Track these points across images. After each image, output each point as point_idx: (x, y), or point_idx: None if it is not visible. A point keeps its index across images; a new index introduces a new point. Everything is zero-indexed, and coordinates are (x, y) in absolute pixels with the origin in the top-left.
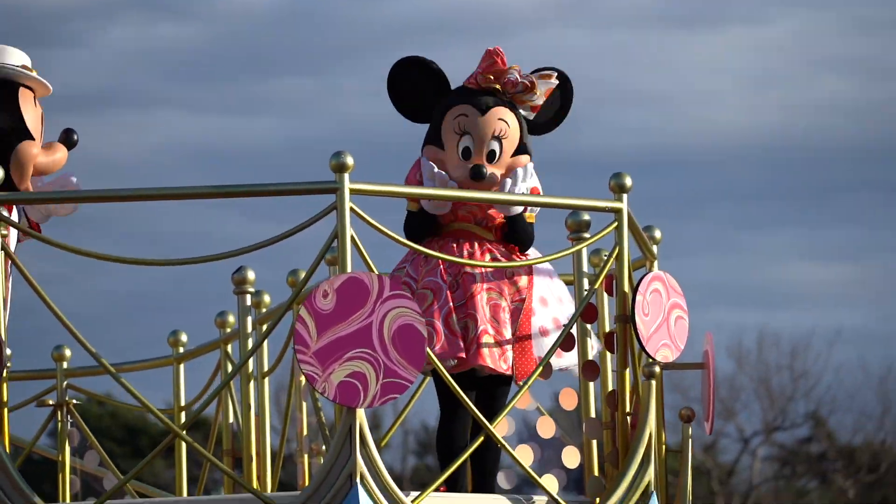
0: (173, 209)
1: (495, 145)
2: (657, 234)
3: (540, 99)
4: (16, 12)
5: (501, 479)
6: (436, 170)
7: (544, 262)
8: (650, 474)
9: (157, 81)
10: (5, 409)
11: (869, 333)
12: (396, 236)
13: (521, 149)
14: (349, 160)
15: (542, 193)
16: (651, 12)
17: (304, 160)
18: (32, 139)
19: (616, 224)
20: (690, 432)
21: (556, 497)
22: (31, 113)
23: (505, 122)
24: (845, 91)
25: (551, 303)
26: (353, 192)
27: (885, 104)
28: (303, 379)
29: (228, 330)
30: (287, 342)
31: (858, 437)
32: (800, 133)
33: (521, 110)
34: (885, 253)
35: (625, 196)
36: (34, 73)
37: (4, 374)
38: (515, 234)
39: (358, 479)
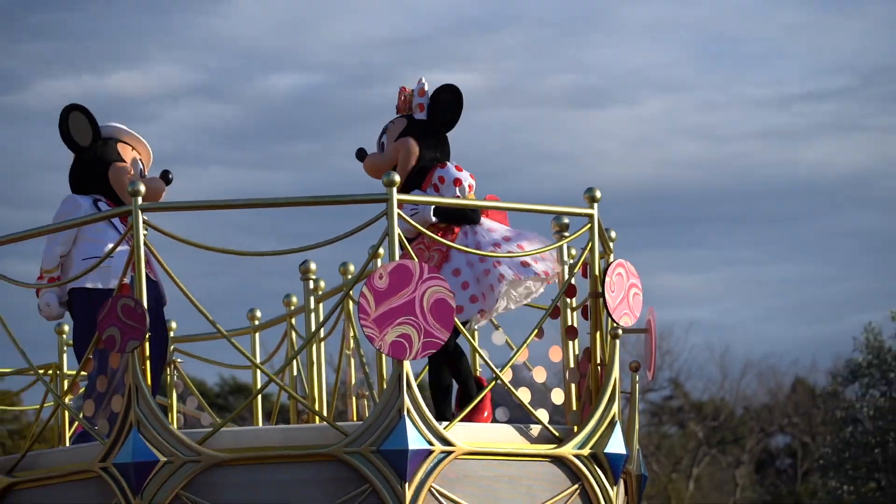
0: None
1: (383, 138)
2: (613, 234)
3: (419, 100)
4: (108, 97)
5: (500, 413)
6: None
7: (532, 254)
8: (615, 409)
9: (207, 146)
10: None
11: (713, 324)
12: (428, 232)
13: (406, 132)
14: (396, 178)
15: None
16: (561, 95)
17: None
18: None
19: (589, 225)
20: (637, 379)
21: (548, 426)
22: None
23: (392, 124)
24: (696, 151)
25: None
26: (399, 202)
27: (723, 161)
28: (352, 342)
29: (293, 307)
30: (338, 317)
31: (705, 396)
32: (666, 181)
33: (414, 115)
34: (724, 267)
35: (595, 205)
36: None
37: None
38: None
39: (405, 413)
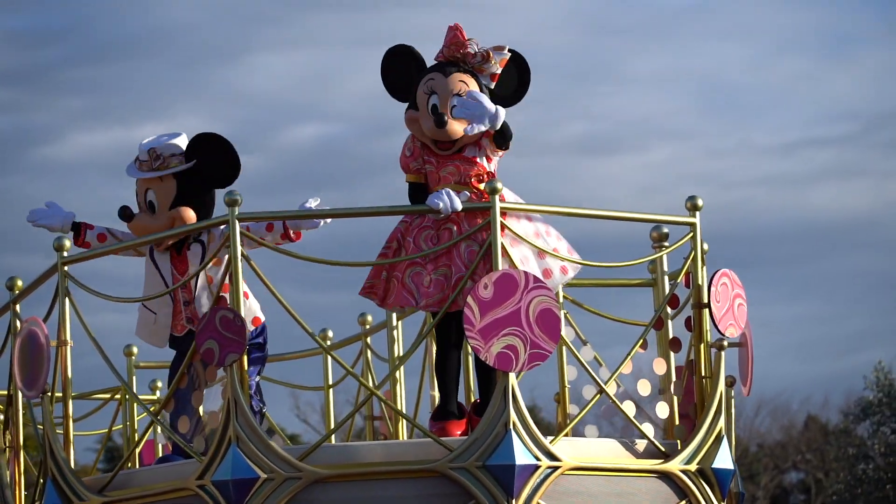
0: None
1: (456, 101)
2: (706, 246)
3: (496, 67)
4: (135, 148)
5: (589, 431)
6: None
7: (633, 264)
8: (721, 423)
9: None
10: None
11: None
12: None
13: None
14: (499, 185)
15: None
16: (570, 143)
17: (338, 243)
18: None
19: (692, 234)
20: (732, 393)
21: (653, 440)
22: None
23: (464, 84)
24: (703, 196)
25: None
26: (502, 210)
27: (730, 206)
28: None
29: (368, 326)
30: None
31: None
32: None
33: (481, 79)
34: None
35: (697, 213)
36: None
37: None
38: (503, 135)
39: (511, 427)
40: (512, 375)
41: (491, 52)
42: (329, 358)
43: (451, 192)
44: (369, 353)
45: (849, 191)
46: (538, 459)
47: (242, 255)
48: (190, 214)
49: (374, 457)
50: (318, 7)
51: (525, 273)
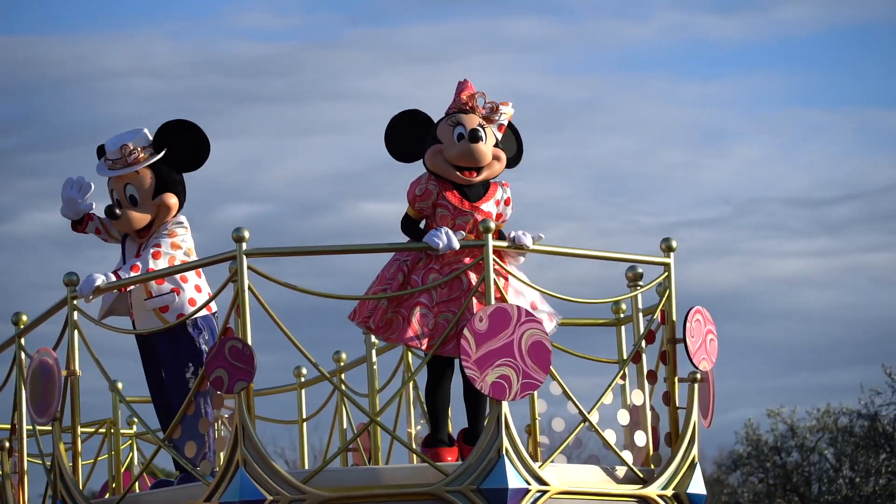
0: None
1: (480, 129)
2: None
3: (504, 119)
4: None
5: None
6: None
7: (609, 302)
8: (695, 451)
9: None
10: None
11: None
12: (522, 278)
13: (498, 146)
14: (492, 225)
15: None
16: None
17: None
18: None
19: (666, 274)
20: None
21: (633, 467)
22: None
23: (484, 122)
24: (593, 272)
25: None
26: (494, 248)
27: (618, 279)
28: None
29: (342, 363)
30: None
31: None
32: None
33: (492, 129)
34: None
35: (672, 254)
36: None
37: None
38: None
39: (504, 453)
40: (505, 404)
41: (499, 104)
42: (304, 391)
43: (450, 232)
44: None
45: (720, 267)
46: (529, 484)
47: (249, 288)
48: (173, 200)
49: (374, 480)
50: (252, 101)
51: (518, 307)
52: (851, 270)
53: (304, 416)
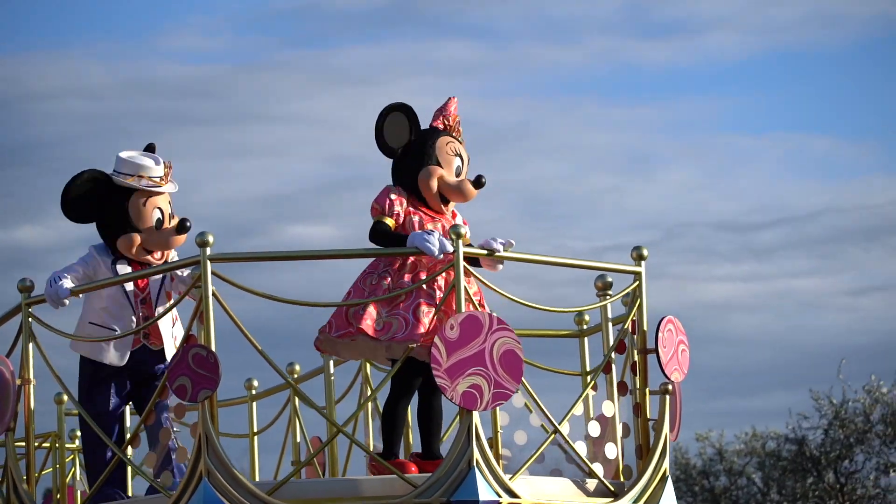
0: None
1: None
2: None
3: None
4: (14, 247)
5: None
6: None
7: (576, 311)
8: (666, 464)
9: None
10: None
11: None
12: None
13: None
14: (462, 230)
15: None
16: None
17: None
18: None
19: (637, 283)
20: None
21: (604, 480)
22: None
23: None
24: (522, 294)
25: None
26: (465, 255)
27: (547, 303)
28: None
29: (296, 375)
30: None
31: None
32: None
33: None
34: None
35: (643, 263)
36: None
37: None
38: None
39: (475, 464)
40: (476, 414)
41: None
42: (255, 405)
43: (438, 233)
44: (297, 401)
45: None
46: (500, 496)
47: (213, 294)
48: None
49: (341, 492)
50: (184, 123)
51: (490, 315)
52: (779, 295)
53: (255, 430)
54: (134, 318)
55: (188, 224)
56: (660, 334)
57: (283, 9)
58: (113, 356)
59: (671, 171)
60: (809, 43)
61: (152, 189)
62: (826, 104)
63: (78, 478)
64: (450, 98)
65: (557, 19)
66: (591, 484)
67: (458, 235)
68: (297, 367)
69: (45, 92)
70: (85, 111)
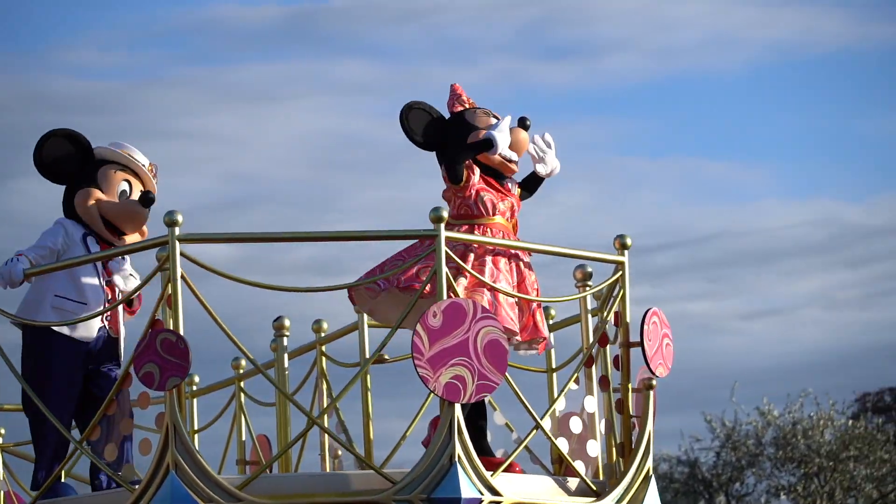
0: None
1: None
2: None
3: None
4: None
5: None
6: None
7: (565, 300)
8: (650, 463)
9: None
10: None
11: None
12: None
13: None
14: (445, 214)
15: None
16: (300, 266)
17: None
18: None
19: (621, 273)
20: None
21: (585, 478)
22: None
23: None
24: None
25: None
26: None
27: None
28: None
29: (241, 371)
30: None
31: None
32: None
33: None
34: None
35: (626, 252)
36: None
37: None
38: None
39: (456, 460)
40: (458, 407)
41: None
42: (196, 401)
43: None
44: (242, 396)
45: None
46: (482, 493)
47: (182, 276)
48: None
49: (317, 487)
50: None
51: (473, 302)
52: (672, 318)
53: (196, 428)
54: (103, 298)
55: (151, 196)
56: (645, 327)
57: (179, 25)
58: (82, 329)
59: (567, 192)
60: (706, 67)
61: (128, 164)
62: (722, 128)
63: (2, 478)
64: (452, 85)
65: (455, 40)
66: (573, 483)
67: (439, 219)
68: (243, 363)
69: None
70: None
